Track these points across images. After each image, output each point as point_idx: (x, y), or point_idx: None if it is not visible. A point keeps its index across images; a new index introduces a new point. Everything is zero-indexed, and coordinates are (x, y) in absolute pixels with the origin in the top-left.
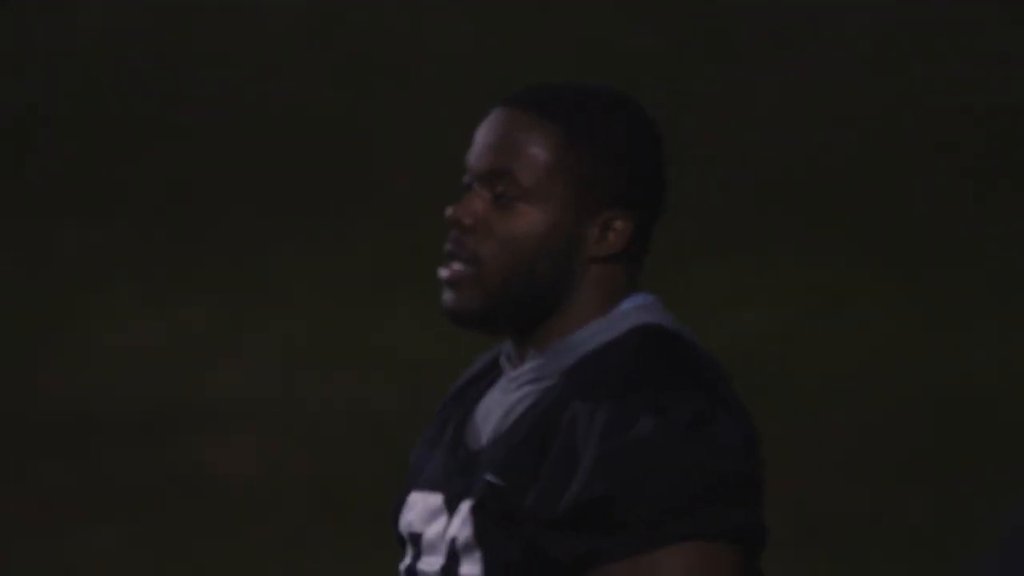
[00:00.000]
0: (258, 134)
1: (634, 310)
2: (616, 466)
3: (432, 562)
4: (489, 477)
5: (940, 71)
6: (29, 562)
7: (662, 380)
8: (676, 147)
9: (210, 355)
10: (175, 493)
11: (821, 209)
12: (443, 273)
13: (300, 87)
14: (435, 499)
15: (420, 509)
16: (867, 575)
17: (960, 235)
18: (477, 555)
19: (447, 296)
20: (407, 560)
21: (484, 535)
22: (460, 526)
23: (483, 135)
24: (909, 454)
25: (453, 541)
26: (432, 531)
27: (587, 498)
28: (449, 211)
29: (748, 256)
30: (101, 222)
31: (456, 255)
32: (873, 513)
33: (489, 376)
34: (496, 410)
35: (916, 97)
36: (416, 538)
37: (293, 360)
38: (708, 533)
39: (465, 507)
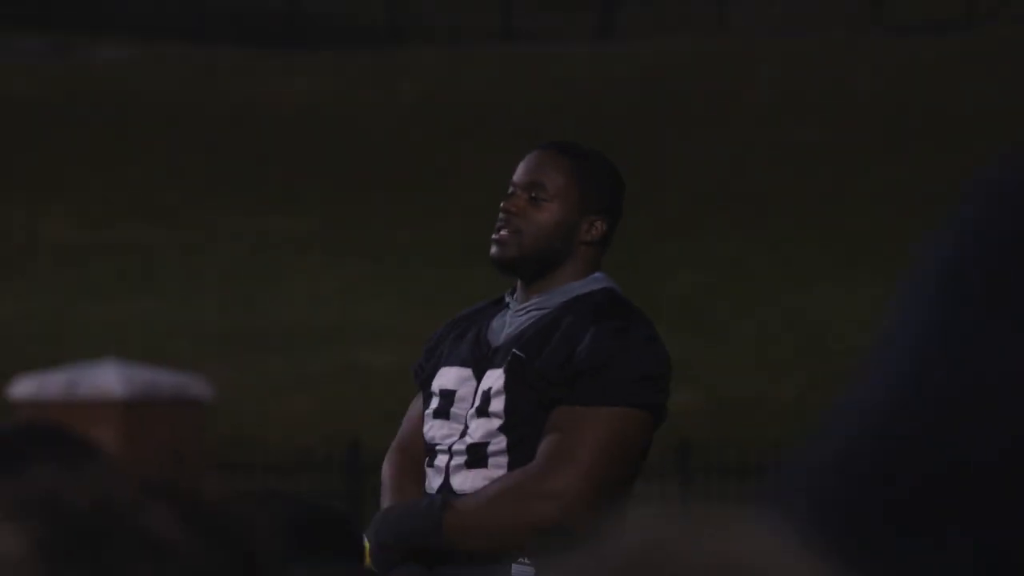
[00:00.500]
0: None
1: (602, 278)
2: (597, 354)
3: (464, 407)
4: (515, 351)
5: None
6: None
7: (626, 314)
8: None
9: None
10: None
11: None
12: (495, 236)
13: None
14: (465, 371)
15: (453, 376)
16: None
17: None
18: (502, 398)
19: (494, 250)
20: (434, 405)
21: (510, 385)
22: (494, 380)
23: (526, 163)
24: None
25: (488, 391)
26: (464, 389)
27: (573, 369)
28: (504, 204)
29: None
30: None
31: (505, 227)
32: None
33: (492, 311)
34: (509, 324)
35: None
36: (449, 394)
37: None
38: (640, 404)
39: (495, 372)
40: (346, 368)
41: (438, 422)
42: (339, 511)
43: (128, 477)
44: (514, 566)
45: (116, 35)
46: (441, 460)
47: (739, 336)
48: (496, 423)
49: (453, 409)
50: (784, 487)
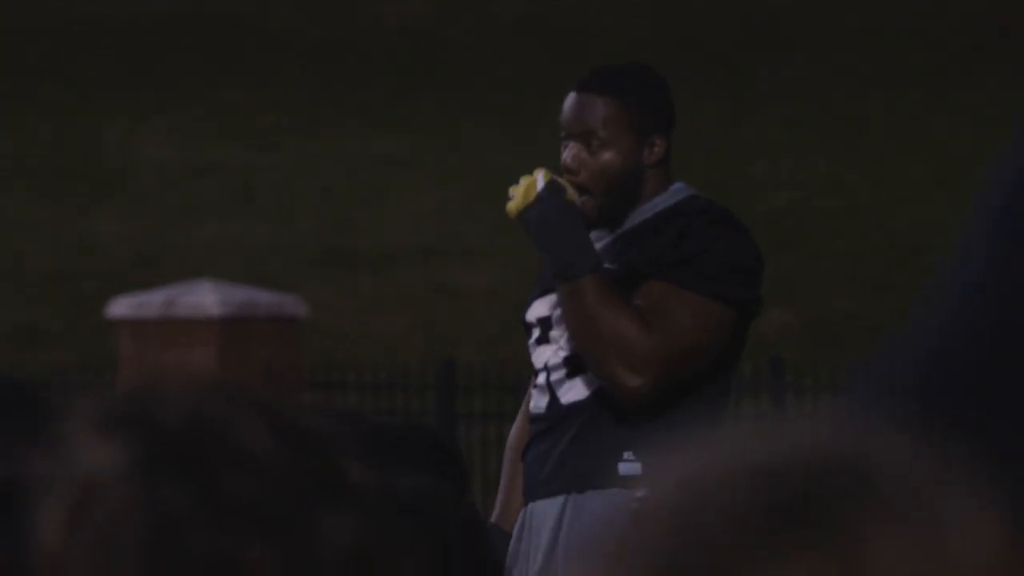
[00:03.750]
0: None
1: (683, 187)
2: (687, 245)
3: (562, 328)
4: (606, 265)
5: None
6: None
7: (716, 211)
8: None
9: None
10: None
11: None
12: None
13: None
14: (554, 296)
15: (546, 304)
16: None
17: None
18: None
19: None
20: (536, 335)
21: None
22: None
23: (568, 110)
24: None
25: None
26: (559, 312)
27: (663, 260)
28: (564, 159)
29: None
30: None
31: (574, 188)
32: None
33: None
34: (609, 247)
35: None
36: (545, 320)
37: None
38: (726, 296)
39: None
40: (441, 288)
41: (541, 348)
42: (432, 431)
43: (219, 393)
44: (620, 464)
45: None
46: (542, 378)
47: (832, 255)
48: None
49: (552, 333)
50: (877, 377)
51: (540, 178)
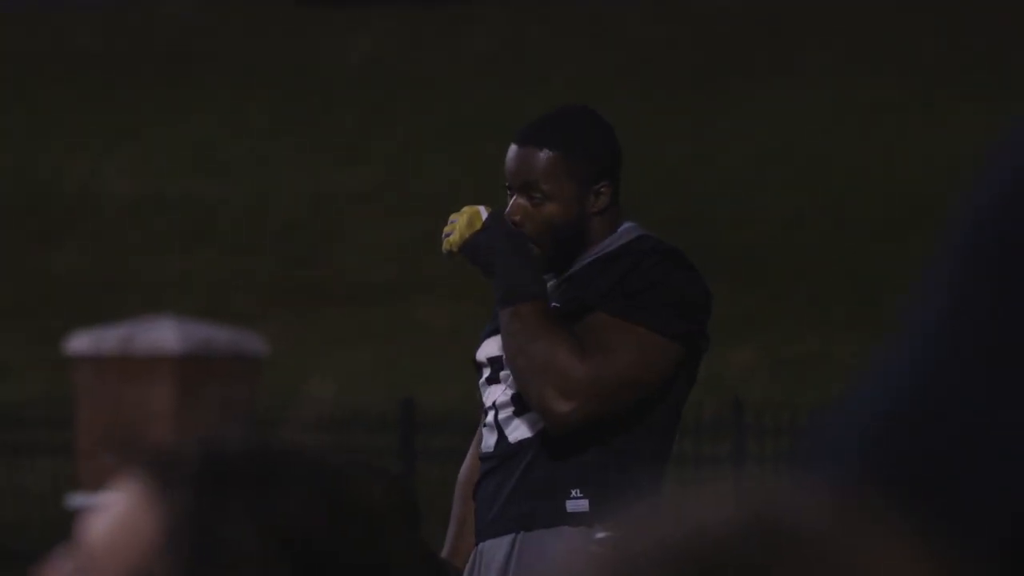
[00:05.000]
0: None
1: (632, 227)
2: (640, 276)
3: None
4: (553, 304)
5: None
6: None
7: (665, 249)
8: None
9: None
10: None
11: None
12: None
13: None
14: None
15: (496, 343)
16: None
17: None
18: None
19: None
20: (486, 374)
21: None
22: None
23: (510, 162)
24: None
25: None
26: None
27: (611, 294)
28: (508, 212)
29: None
30: None
31: None
32: None
33: None
34: (556, 289)
35: None
36: (496, 359)
37: None
38: (666, 331)
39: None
40: (403, 325)
41: (491, 387)
42: (394, 473)
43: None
44: (568, 502)
45: None
46: (491, 417)
47: (796, 296)
48: None
49: (502, 373)
50: (827, 440)
51: (483, 210)
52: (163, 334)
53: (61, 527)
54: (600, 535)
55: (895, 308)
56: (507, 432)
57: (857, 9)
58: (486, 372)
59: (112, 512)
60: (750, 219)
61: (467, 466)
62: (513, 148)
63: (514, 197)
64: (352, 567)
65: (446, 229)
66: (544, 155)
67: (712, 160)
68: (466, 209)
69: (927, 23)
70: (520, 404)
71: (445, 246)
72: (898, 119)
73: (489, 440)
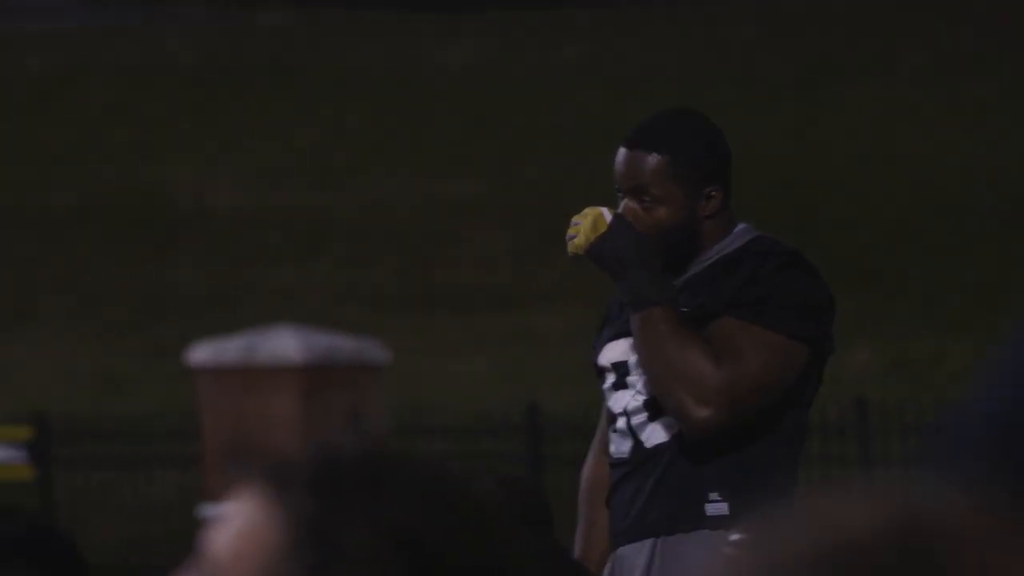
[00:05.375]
0: None
1: (747, 228)
2: (758, 286)
3: (639, 372)
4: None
5: None
6: None
7: (786, 251)
8: None
9: None
10: None
11: None
12: None
13: None
14: (629, 339)
15: (620, 348)
16: None
17: None
18: None
19: None
20: (611, 380)
21: None
22: None
23: (619, 165)
24: None
25: None
26: (634, 356)
27: (735, 301)
28: (619, 211)
29: None
30: None
31: None
32: None
33: None
34: (678, 294)
35: None
36: (621, 364)
37: None
38: (794, 334)
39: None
40: (521, 331)
41: (619, 393)
42: (526, 481)
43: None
44: (707, 505)
45: (273, 1)
46: (622, 422)
47: (908, 297)
48: None
49: (630, 378)
50: (955, 440)
51: (606, 212)
52: (284, 344)
53: (190, 539)
54: (734, 537)
55: (1008, 308)
56: (642, 437)
57: (957, 8)
58: (611, 378)
59: (234, 522)
60: (856, 221)
61: (591, 469)
62: (622, 151)
63: (624, 200)
64: (467, 568)
65: (570, 232)
66: (653, 159)
67: (816, 162)
68: (588, 211)
69: None
70: (653, 409)
71: (571, 249)
72: (1001, 118)
73: (622, 446)
